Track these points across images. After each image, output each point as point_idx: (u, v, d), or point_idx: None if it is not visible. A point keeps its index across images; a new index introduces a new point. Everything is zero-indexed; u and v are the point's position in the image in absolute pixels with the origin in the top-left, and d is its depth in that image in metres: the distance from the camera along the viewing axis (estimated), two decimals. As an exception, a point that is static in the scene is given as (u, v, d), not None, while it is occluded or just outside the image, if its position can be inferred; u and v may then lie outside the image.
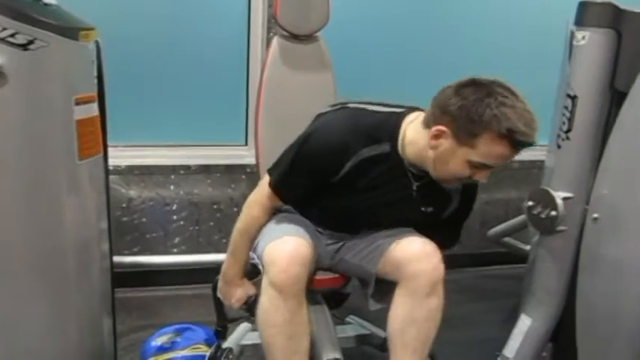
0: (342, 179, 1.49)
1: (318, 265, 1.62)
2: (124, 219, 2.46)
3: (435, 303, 1.50)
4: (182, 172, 2.52)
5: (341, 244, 1.70)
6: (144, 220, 2.49)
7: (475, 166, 1.38)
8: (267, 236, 1.55)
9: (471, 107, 1.32)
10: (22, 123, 1.26)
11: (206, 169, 2.54)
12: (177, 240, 2.55)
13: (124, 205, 2.46)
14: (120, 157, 2.38)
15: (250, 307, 1.64)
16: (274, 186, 1.56)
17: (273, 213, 1.64)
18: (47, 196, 1.33)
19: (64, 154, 1.33)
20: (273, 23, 2.31)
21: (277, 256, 1.45)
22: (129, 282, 2.33)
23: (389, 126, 1.49)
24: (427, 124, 1.42)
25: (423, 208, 1.58)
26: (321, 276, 1.68)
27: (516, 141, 1.32)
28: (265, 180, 1.59)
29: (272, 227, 1.60)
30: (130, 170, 2.44)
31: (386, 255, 1.56)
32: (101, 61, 1.48)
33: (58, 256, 1.38)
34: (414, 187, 1.53)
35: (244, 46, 2.55)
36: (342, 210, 1.61)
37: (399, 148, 1.49)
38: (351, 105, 1.54)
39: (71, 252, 1.40)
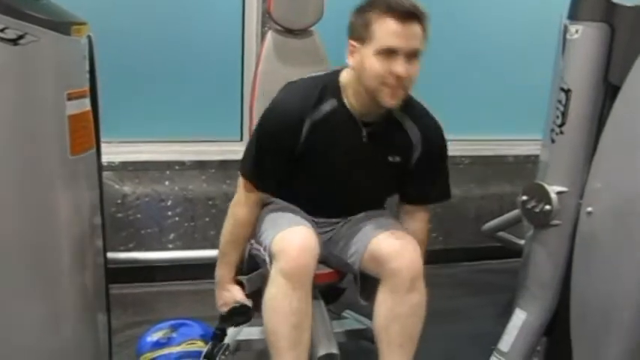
0: (303, 149, 1.55)
1: None
2: (119, 215, 2.46)
3: (417, 299, 1.52)
4: (177, 167, 2.51)
5: (330, 235, 1.70)
6: (138, 216, 2.48)
7: (386, 57, 1.42)
8: (273, 227, 1.56)
9: (362, 6, 1.47)
10: (13, 118, 1.25)
11: (201, 165, 2.54)
12: (172, 236, 2.55)
13: (119, 201, 2.45)
14: (114, 153, 2.38)
15: (232, 314, 1.64)
16: (247, 176, 1.61)
17: (262, 207, 1.65)
18: (40, 191, 1.32)
19: (57, 149, 1.32)
20: (267, 18, 2.30)
21: (288, 245, 1.47)
22: (124, 278, 2.33)
23: (330, 84, 1.57)
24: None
25: (390, 158, 1.60)
26: (318, 271, 1.67)
27: (396, 11, 1.40)
28: (242, 179, 1.62)
29: (275, 218, 1.61)
30: (124, 166, 2.44)
31: (367, 252, 1.58)
32: (93, 56, 1.47)
33: (52, 253, 1.37)
34: (364, 134, 1.56)
35: (239, 41, 2.55)
36: (318, 186, 1.63)
37: (345, 99, 1.55)
38: (293, 80, 1.62)
39: (65, 248, 1.39)
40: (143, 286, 2.48)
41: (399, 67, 1.41)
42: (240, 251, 1.68)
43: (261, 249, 1.60)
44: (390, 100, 1.47)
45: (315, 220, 1.69)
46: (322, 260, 1.68)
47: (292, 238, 1.48)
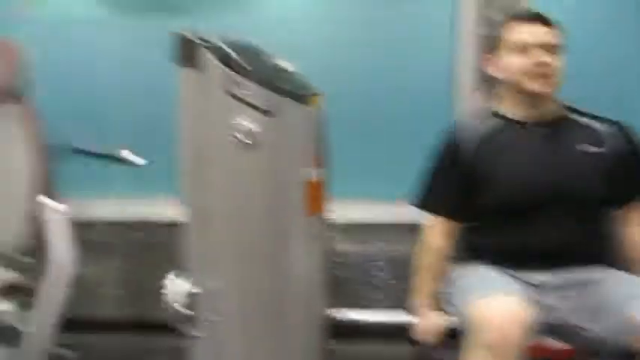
0: (475, 161, 1.58)
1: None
2: (335, 272, 2.54)
3: None
4: (389, 229, 2.54)
5: (558, 300, 1.54)
6: (351, 274, 2.55)
7: (520, 51, 1.52)
8: (473, 292, 1.47)
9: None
10: (265, 180, 1.41)
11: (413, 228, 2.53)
12: (382, 296, 2.56)
13: (336, 260, 2.54)
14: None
15: (444, 337, 1.58)
16: (421, 203, 1.69)
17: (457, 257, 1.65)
18: (281, 244, 1.44)
19: (295, 209, 1.44)
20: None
21: (492, 314, 1.36)
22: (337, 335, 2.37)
23: (486, 109, 1.68)
24: None
25: (578, 147, 1.55)
26: (545, 344, 1.51)
27: (519, 16, 1.59)
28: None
29: (475, 282, 1.52)
30: (345, 226, 2.53)
31: (628, 322, 1.37)
32: (324, 125, 1.55)
33: (283, 302, 1.47)
34: (537, 132, 1.58)
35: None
36: (510, 206, 1.55)
37: (504, 112, 1.62)
38: None
39: (294, 300, 1.48)
40: (353, 344, 2.49)
41: (533, 56, 1.50)
42: (430, 280, 1.67)
43: (457, 316, 1.53)
44: (536, 85, 1.51)
45: (534, 281, 1.55)
46: (550, 331, 1.52)
47: (497, 306, 1.37)
